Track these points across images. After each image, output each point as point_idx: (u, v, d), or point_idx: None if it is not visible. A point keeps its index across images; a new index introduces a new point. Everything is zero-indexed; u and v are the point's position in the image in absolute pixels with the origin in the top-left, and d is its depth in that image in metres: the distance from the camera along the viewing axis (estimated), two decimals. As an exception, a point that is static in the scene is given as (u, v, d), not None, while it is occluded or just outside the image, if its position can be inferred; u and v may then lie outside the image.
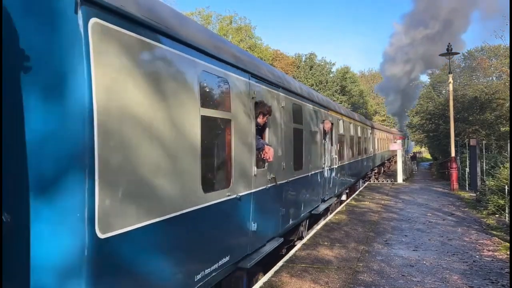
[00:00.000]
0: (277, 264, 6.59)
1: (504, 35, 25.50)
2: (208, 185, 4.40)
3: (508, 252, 7.11)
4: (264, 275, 6.14)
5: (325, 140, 10.37)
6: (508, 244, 7.63)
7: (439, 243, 7.94)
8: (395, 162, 26.29)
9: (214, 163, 4.90)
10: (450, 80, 18.37)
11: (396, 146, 22.86)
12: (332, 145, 11.18)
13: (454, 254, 7.11)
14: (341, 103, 41.40)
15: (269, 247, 6.09)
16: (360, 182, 19.63)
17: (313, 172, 9.09)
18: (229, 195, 4.82)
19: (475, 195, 14.03)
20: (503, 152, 16.14)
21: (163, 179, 3.57)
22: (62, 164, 2.73)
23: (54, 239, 2.72)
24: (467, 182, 16.99)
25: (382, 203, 13.13)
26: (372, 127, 23.98)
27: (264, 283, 5.66)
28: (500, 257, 6.95)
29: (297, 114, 7.90)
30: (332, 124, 10.99)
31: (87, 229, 2.73)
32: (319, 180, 9.82)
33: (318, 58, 49.61)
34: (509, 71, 26.77)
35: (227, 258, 4.80)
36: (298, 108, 8.01)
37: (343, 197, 14.10)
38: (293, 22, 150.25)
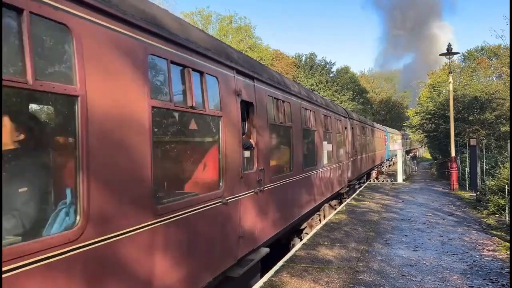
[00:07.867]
0: (277, 264, 6.60)
1: (504, 35, 25.45)
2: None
3: (508, 252, 7.12)
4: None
5: (387, 142, 33.65)
6: (508, 244, 7.64)
7: (439, 243, 7.94)
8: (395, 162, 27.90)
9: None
10: (450, 80, 18.37)
11: (397, 146, 22.90)
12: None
13: (454, 254, 7.12)
14: (341, 103, 41.45)
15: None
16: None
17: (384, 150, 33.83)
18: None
19: (475, 195, 14.03)
20: (503, 152, 16.13)
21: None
22: None
23: None
24: (467, 182, 16.98)
25: (382, 203, 13.14)
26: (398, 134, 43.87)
27: (264, 283, 5.66)
28: (500, 257, 6.95)
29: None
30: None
31: None
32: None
33: (318, 58, 49.68)
34: (509, 71, 26.76)
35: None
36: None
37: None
38: (293, 22, 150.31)
